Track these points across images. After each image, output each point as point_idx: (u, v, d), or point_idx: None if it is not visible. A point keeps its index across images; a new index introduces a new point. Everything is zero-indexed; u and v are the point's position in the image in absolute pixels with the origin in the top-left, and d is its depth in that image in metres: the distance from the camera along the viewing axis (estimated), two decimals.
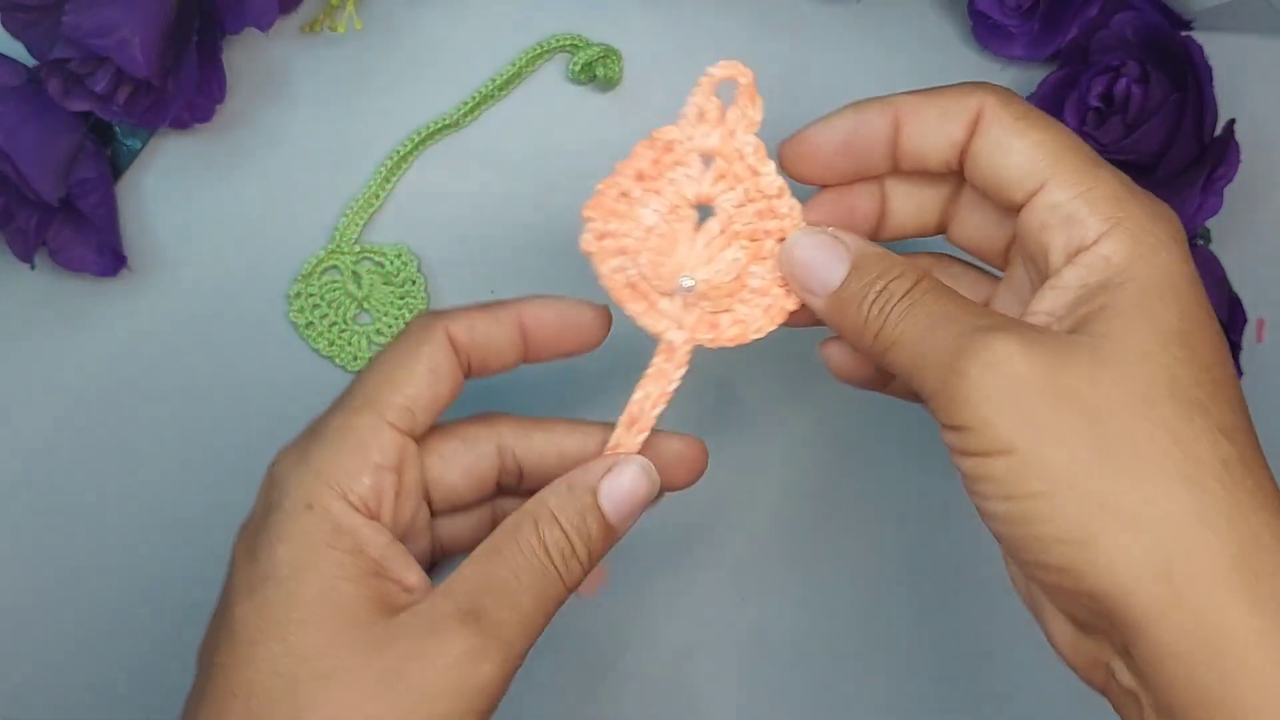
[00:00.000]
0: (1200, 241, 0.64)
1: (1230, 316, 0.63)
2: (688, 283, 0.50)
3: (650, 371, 0.51)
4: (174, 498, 0.67)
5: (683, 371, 0.51)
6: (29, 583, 0.67)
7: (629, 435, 0.51)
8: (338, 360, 0.66)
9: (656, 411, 0.51)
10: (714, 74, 0.49)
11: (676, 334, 0.51)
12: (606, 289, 0.51)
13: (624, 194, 0.50)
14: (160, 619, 0.68)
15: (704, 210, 0.51)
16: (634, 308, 0.51)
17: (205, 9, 0.61)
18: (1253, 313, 0.65)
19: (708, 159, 0.50)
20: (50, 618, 0.68)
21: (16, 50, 0.63)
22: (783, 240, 0.50)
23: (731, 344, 0.51)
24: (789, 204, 0.50)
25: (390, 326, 0.66)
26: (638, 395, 0.51)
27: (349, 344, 0.66)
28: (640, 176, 0.50)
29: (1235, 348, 0.62)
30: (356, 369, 0.66)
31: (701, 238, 0.50)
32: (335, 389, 0.67)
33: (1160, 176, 0.62)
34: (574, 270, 0.67)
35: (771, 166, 0.50)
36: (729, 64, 0.49)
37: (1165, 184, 0.62)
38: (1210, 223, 0.63)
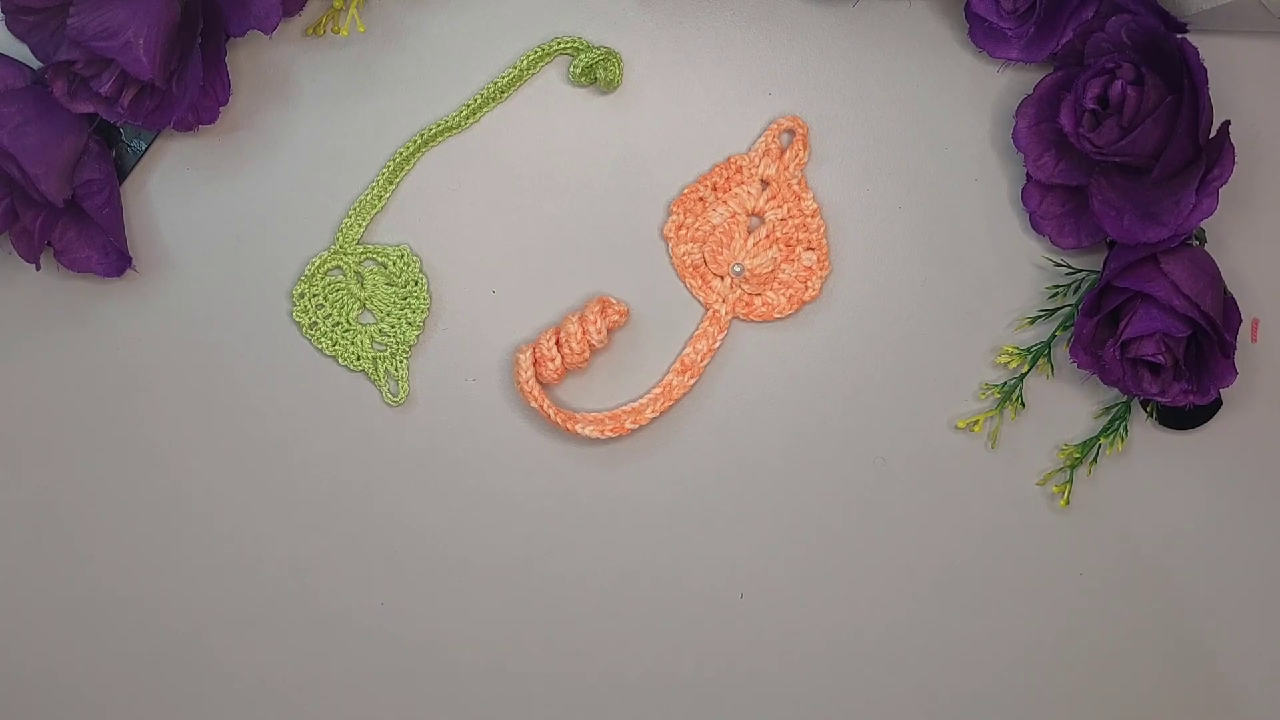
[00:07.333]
0: (1195, 242, 0.65)
1: (1226, 316, 0.63)
2: (737, 269, 0.66)
3: (698, 332, 0.67)
4: (177, 495, 0.67)
5: (723, 335, 0.67)
6: (35, 579, 0.68)
7: (681, 379, 0.66)
8: (341, 360, 0.67)
9: (705, 362, 0.67)
10: (781, 123, 0.66)
11: (722, 306, 0.67)
12: (675, 267, 0.67)
13: (700, 199, 0.67)
14: (161, 616, 0.68)
15: (754, 220, 0.68)
16: (693, 283, 0.67)
17: (209, 12, 0.61)
18: (1248, 313, 0.66)
19: (765, 182, 0.66)
20: (52, 615, 0.68)
21: (22, 52, 0.63)
22: (811, 249, 0.66)
23: (759, 320, 0.67)
24: (818, 223, 0.66)
25: (393, 327, 0.67)
26: (688, 350, 0.66)
27: (352, 344, 0.67)
28: (715, 188, 0.67)
29: (1230, 348, 0.63)
30: (359, 369, 0.67)
31: (752, 238, 0.66)
32: (338, 388, 0.67)
33: (1155, 178, 0.62)
34: (574, 270, 0.67)
35: (811, 194, 0.66)
36: (791, 118, 0.66)
37: (1160, 185, 0.62)
38: (1205, 223, 0.63)
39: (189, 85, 0.61)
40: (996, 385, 0.67)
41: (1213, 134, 0.62)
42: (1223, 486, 0.68)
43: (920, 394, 0.68)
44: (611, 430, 0.66)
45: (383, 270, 0.66)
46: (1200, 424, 0.67)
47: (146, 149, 0.66)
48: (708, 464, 0.67)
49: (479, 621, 0.68)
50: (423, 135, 0.66)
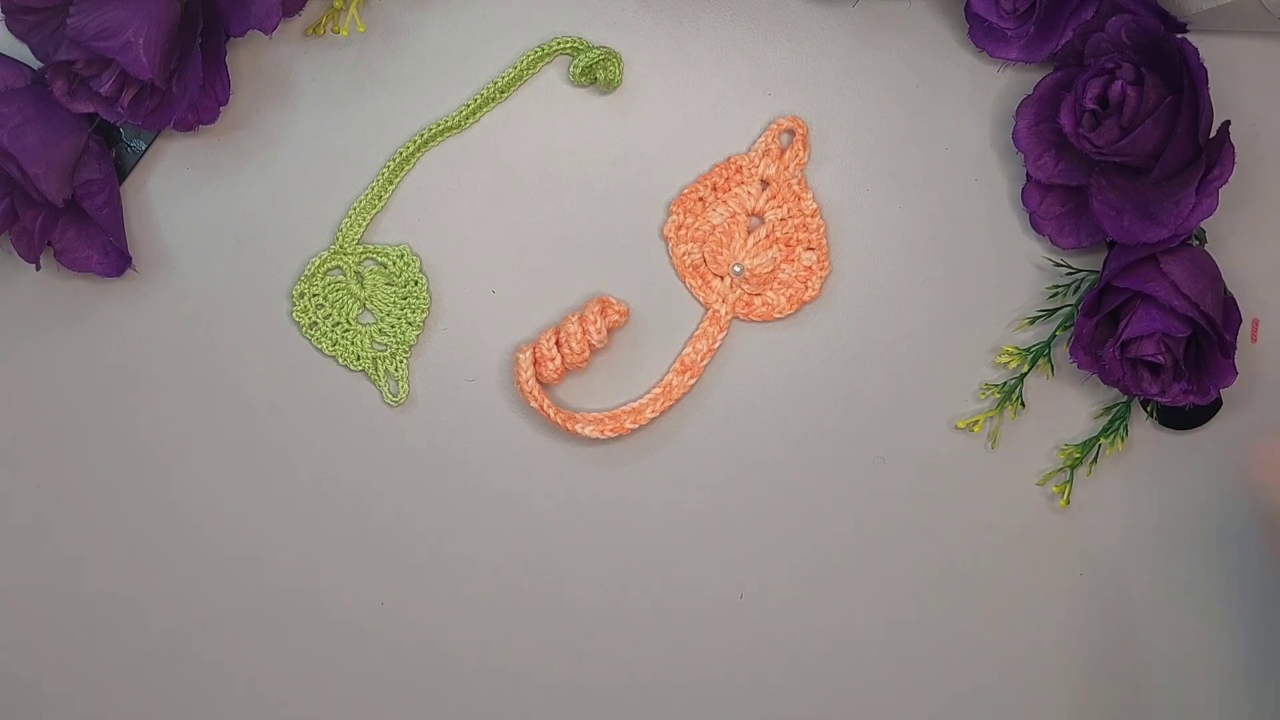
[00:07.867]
0: (1195, 242, 0.65)
1: (1226, 316, 0.63)
2: (737, 269, 0.66)
3: (698, 333, 0.67)
4: (176, 495, 0.67)
5: (724, 335, 0.67)
6: (34, 579, 0.68)
7: (681, 379, 0.67)
8: (341, 360, 0.67)
9: (705, 362, 0.67)
10: (781, 123, 0.66)
11: (722, 306, 0.67)
12: (675, 267, 0.67)
13: (700, 199, 0.67)
14: (161, 616, 0.68)
15: (754, 220, 0.68)
16: (693, 283, 0.67)
17: (209, 12, 0.61)
18: (1248, 312, 0.66)
19: (765, 182, 0.66)
20: (52, 615, 0.68)
21: (22, 52, 0.63)
22: (811, 249, 0.66)
23: (759, 319, 0.67)
24: (818, 223, 0.66)
25: (393, 327, 0.67)
26: (688, 350, 0.66)
27: (352, 344, 0.67)
28: (715, 188, 0.67)
29: (1230, 348, 0.63)
30: (359, 369, 0.67)
31: (752, 238, 0.66)
32: (337, 388, 0.67)
33: (1155, 178, 0.62)
34: (573, 270, 0.67)
35: (811, 194, 0.66)
36: (791, 118, 0.66)
37: (1160, 185, 0.62)
38: (1205, 223, 0.63)
39: (189, 85, 0.62)
40: (996, 385, 0.67)
41: (1213, 134, 0.62)
42: (1223, 486, 0.68)
43: (920, 394, 0.68)
44: (611, 430, 0.66)
45: (383, 270, 0.66)
46: (1200, 424, 0.67)
47: (146, 149, 0.66)
48: (708, 464, 0.68)
49: (479, 622, 0.68)
50: (423, 135, 0.66)
